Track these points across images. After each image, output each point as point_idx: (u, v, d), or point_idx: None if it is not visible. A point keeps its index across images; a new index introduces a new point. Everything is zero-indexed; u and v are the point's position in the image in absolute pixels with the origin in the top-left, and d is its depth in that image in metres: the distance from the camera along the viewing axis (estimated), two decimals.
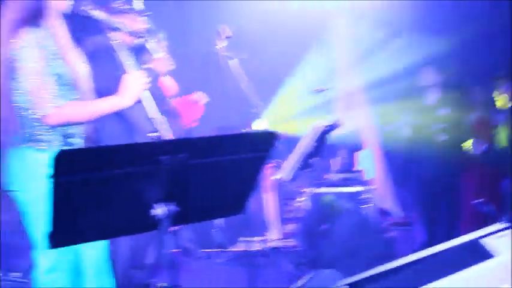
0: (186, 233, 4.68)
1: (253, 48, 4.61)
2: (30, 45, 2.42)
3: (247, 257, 3.45)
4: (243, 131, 3.11)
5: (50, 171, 1.48)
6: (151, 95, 2.72)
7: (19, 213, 2.57)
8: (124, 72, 2.60)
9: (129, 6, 3.57)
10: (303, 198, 4.85)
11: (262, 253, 4.81)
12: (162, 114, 3.87)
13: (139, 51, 3.56)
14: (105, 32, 3.42)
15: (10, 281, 4.32)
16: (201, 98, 4.34)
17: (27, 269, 4.07)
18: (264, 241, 4.91)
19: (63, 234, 1.68)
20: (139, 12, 3.60)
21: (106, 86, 2.98)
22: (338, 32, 5.89)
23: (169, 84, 4.48)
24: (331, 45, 5.94)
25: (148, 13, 3.60)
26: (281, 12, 5.76)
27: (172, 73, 4.00)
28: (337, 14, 5.89)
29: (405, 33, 5.68)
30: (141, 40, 3.29)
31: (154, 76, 3.34)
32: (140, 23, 3.50)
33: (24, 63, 2.41)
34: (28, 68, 2.41)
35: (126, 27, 2.73)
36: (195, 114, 4.31)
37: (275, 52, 5.86)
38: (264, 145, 1.78)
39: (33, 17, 2.49)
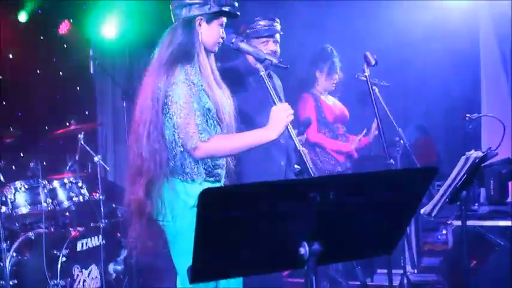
0: (335, 264, 4.57)
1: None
2: (181, 82, 2.50)
3: None
4: (389, 161, 2.93)
5: (196, 207, 1.42)
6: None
7: (165, 241, 2.61)
8: (268, 103, 2.56)
9: (268, 27, 3.50)
10: (446, 231, 4.52)
11: None
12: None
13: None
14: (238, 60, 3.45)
15: None
16: (352, 144, 4.30)
17: None
18: (403, 275, 4.63)
19: (205, 269, 1.61)
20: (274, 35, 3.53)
21: (250, 116, 2.96)
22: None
23: (337, 110, 4.45)
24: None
25: (281, 33, 3.55)
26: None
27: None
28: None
29: None
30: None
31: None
32: (269, 46, 3.45)
33: (175, 99, 2.49)
34: (179, 103, 2.48)
35: (274, 58, 2.68)
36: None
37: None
38: (422, 182, 1.60)
39: (185, 54, 2.57)
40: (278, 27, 3.50)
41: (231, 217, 1.46)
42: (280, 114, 2.50)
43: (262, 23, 3.48)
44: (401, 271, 4.67)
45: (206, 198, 1.41)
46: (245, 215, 1.47)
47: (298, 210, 1.53)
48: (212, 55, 2.71)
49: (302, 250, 1.62)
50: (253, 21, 3.48)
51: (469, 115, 3.32)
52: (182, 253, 2.52)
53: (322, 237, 1.62)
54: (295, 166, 2.28)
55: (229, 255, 1.59)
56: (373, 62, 3.24)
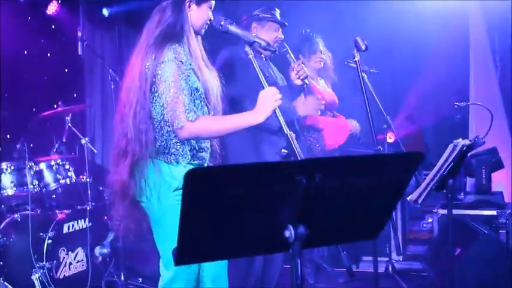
0: (319, 249, 4.59)
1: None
2: (170, 60, 2.48)
3: (371, 279, 3.24)
4: (377, 148, 2.93)
5: (182, 188, 1.41)
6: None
7: (149, 224, 2.60)
8: (257, 86, 2.55)
9: (269, 15, 3.57)
10: (431, 220, 4.56)
11: (386, 275, 4.58)
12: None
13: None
14: (238, 45, 3.45)
15: (134, 285, 4.47)
16: (352, 127, 4.27)
17: (149, 275, 4.20)
18: (388, 262, 4.67)
19: (190, 251, 1.61)
20: (277, 22, 3.61)
21: (239, 99, 2.95)
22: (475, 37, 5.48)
23: (327, 95, 4.44)
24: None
25: (285, 23, 3.62)
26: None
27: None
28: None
29: None
30: (276, 51, 3.26)
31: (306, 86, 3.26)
32: (279, 34, 3.53)
33: (164, 78, 2.47)
34: (168, 82, 2.46)
35: (262, 40, 2.69)
36: (340, 139, 4.22)
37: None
38: (409, 167, 1.60)
39: (174, 35, 2.55)
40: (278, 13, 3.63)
41: (216, 198, 1.45)
42: (268, 98, 2.50)
43: (274, 12, 3.63)
44: (386, 258, 4.72)
45: (192, 179, 1.40)
46: (230, 196, 1.46)
47: (284, 192, 1.53)
48: (199, 37, 2.71)
49: (287, 233, 1.62)
50: (267, 8, 3.62)
51: (457, 103, 3.34)
52: (166, 236, 2.51)
53: (308, 221, 1.62)
54: (282, 150, 2.27)
55: (214, 237, 1.59)
56: (363, 48, 3.23)
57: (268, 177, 1.48)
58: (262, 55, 3.52)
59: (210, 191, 1.44)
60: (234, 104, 3.01)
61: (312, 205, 1.61)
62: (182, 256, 1.61)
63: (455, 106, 3.32)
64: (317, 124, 4.16)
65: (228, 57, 3.42)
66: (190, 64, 2.54)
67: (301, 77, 3.16)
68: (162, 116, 2.50)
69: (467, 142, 2.84)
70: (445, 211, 4.09)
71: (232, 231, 1.58)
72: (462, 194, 4.48)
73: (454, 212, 3.71)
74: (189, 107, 2.48)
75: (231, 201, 1.48)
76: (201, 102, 2.58)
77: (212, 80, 2.66)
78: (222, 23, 2.68)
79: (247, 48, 2.61)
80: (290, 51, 3.54)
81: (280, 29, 3.64)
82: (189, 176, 1.41)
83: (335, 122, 4.30)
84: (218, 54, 3.45)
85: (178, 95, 2.45)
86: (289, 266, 1.67)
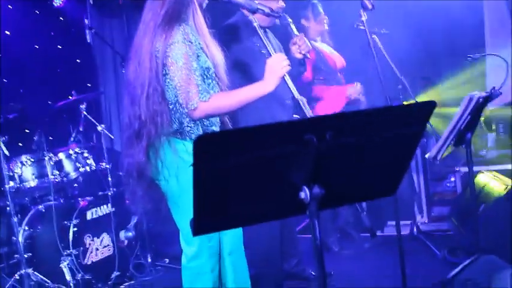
0: (344, 215, 4.59)
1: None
2: (180, 42, 2.44)
3: (396, 242, 3.21)
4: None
5: (192, 156, 1.40)
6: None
7: (167, 203, 2.60)
8: (262, 54, 2.52)
9: None
10: (454, 179, 4.50)
11: (412, 237, 4.56)
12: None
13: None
14: (238, 14, 3.40)
15: (161, 266, 4.52)
16: (352, 92, 4.22)
17: (175, 256, 4.24)
18: (413, 225, 4.64)
19: (207, 220, 1.61)
20: None
21: (243, 70, 2.91)
22: None
23: (336, 58, 4.39)
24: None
25: None
26: None
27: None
28: None
29: None
30: (277, 20, 3.20)
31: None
32: (277, 2, 3.43)
33: (174, 59, 2.43)
34: (179, 64, 2.43)
35: (265, 7, 2.64)
36: (338, 105, 4.19)
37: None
38: (421, 117, 1.57)
39: (181, 13, 2.51)
40: None
41: (227, 163, 1.44)
42: (276, 66, 2.47)
43: None
44: (411, 221, 4.69)
45: (201, 144, 1.38)
46: (241, 159, 1.44)
47: (295, 153, 1.51)
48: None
49: (302, 194, 1.60)
50: None
51: (470, 55, 3.26)
52: (185, 212, 2.51)
53: (322, 181, 1.60)
54: (294, 116, 2.25)
55: (229, 203, 1.58)
56: (370, 7, 3.16)
57: (277, 138, 1.46)
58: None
59: (219, 156, 1.43)
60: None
61: (326, 164, 1.58)
62: (200, 225, 1.61)
63: (469, 59, 3.24)
64: (320, 94, 4.15)
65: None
66: (199, 43, 2.51)
67: (302, 51, 3.08)
68: (176, 98, 2.47)
69: (483, 94, 2.78)
70: (466, 168, 4.03)
71: (246, 196, 1.57)
72: (484, 150, 4.41)
73: (476, 168, 3.67)
74: (202, 88, 2.45)
75: (241, 165, 1.47)
76: (212, 81, 2.56)
77: (219, 55, 2.63)
78: None
79: (252, 17, 2.57)
80: (292, 24, 3.47)
81: None
82: (198, 142, 1.39)
83: (334, 90, 4.26)
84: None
85: (190, 77, 2.42)
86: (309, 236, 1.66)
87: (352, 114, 1.51)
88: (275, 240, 3.48)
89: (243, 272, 2.73)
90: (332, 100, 4.22)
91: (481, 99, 2.77)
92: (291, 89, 2.39)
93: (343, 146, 1.57)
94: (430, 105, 1.56)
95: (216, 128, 2.65)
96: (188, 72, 2.42)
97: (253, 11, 2.59)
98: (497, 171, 4.15)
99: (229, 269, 2.69)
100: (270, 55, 2.49)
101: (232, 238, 2.68)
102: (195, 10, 2.56)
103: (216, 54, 2.61)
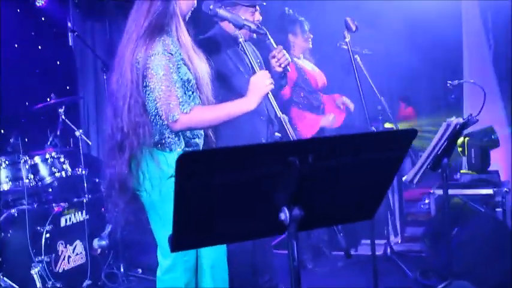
0: (318, 233, 4.60)
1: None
2: (160, 53, 2.43)
3: (370, 261, 3.24)
4: (371, 129, 2.92)
5: (175, 173, 1.40)
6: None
7: (146, 213, 2.59)
8: (237, 69, 2.52)
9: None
10: (428, 201, 4.55)
11: (385, 258, 4.59)
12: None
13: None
14: (216, 28, 3.39)
15: (134, 276, 4.48)
16: (326, 122, 4.26)
17: (149, 266, 4.21)
18: (388, 245, 4.67)
19: (186, 237, 1.60)
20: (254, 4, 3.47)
21: (227, 85, 2.90)
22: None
23: (318, 76, 4.40)
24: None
25: (263, 3, 3.49)
26: None
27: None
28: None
29: None
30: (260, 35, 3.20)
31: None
32: (255, 16, 3.39)
33: (155, 71, 2.42)
34: (159, 76, 2.42)
35: (252, 23, 2.64)
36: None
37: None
38: (403, 144, 1.59)
39: (163, 25, 2.50)
40: None
41: (209, 181, 1.44)
42: (259, 83, 2.48)
43: None
44: (385, 241, 4.73)
45: (183, 162, 1.38)
46: (223, 179, 1.45)
47: (277, 174, 1.52)
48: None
49: (282, 215, 1.61)
50: None
51: (450, 82, 3.32)
52: (163, 224, 2.50)
53: (303, 202, 1.61)
54: (276, 134, 2.26)
55: (209, 221, 1.57)
56: (353, 28, 3.19)
57: (260, 159, 1.47)
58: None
59: (202, 174, 1.43)
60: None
61: (307, 186, 1.59)
62: (178, 242, 1.60)
63: (449, 85, 3.31)
64: (295, 121, 4.18)
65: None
66: (180, 55, 2.50)
67: (282, 64, 3.05)
68: (156, 110, 2.46)
69: (460, 120, 2.83)
70: (441, 191, 4.09)
71: (227, 214, 1.57)
72: (458, 173, 4.48)
73: (451, 191, 3.72)
74: (182, 100, 2.44)
75: (224, 185, 1.47)
76: (193, 93, 2.55)
77: (202, 66, 2.62)
78: (211, 7, 2.65)
79: (238, 32, 2.58)
80: (270, 37, 3.41)
81: (257, 11, 3.35)
82: (181, 160, 1.39)
83: (309, 120, 4.30)
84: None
85: (170, 88, 2.42)
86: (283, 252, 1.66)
87: (335, 139, 1.52)
88: (247, 254, 3.48)
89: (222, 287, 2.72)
90: (305, 129, 4.26)
91: (458, 126, 2.83)
92: (274, 106, 2.40)
93: (325, 168, 1.58)
94: (411, 133, 1.59)
95: (200, 141, 2.65)
96: (168, 84, 2.42)
97: (240, 27, 2.60)
98: (470, 195, 4.21)
99: (209, 283, 2.67)
100: (249, 70, 2.50)
101: (214, 251, 2.67)
102: (178, 23, 2.56)
103: (199, 66, 2.60)
